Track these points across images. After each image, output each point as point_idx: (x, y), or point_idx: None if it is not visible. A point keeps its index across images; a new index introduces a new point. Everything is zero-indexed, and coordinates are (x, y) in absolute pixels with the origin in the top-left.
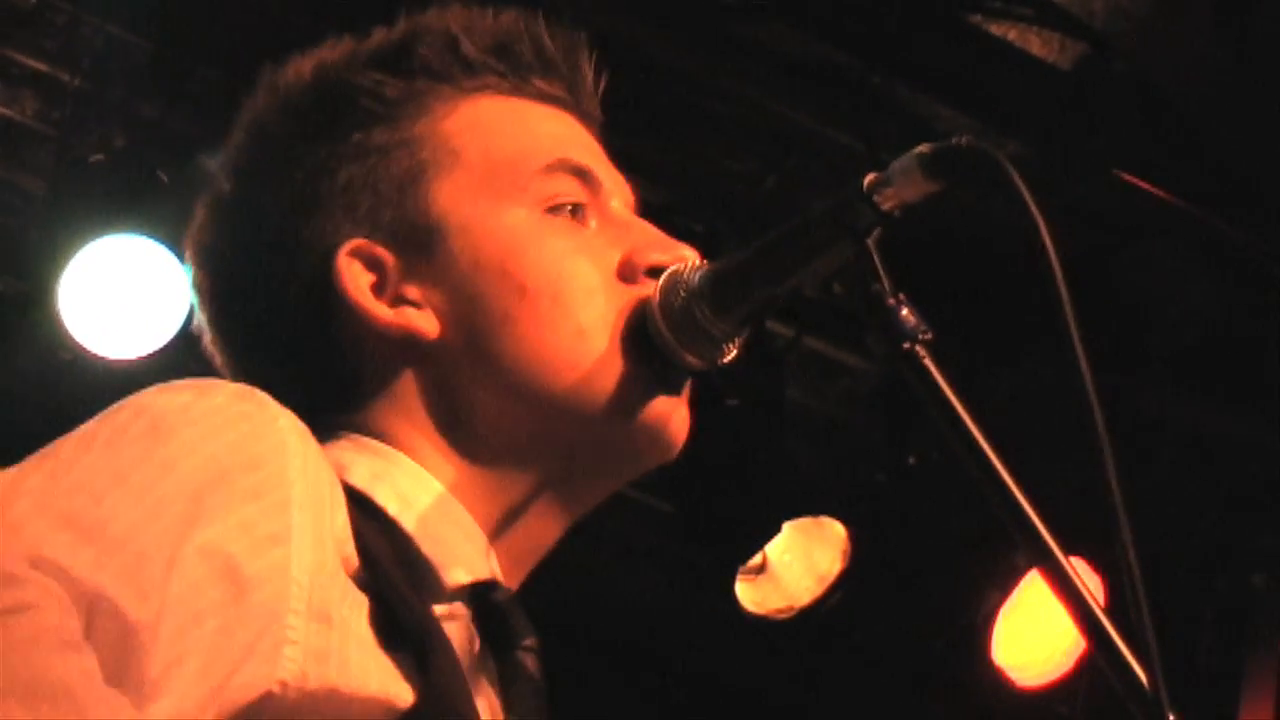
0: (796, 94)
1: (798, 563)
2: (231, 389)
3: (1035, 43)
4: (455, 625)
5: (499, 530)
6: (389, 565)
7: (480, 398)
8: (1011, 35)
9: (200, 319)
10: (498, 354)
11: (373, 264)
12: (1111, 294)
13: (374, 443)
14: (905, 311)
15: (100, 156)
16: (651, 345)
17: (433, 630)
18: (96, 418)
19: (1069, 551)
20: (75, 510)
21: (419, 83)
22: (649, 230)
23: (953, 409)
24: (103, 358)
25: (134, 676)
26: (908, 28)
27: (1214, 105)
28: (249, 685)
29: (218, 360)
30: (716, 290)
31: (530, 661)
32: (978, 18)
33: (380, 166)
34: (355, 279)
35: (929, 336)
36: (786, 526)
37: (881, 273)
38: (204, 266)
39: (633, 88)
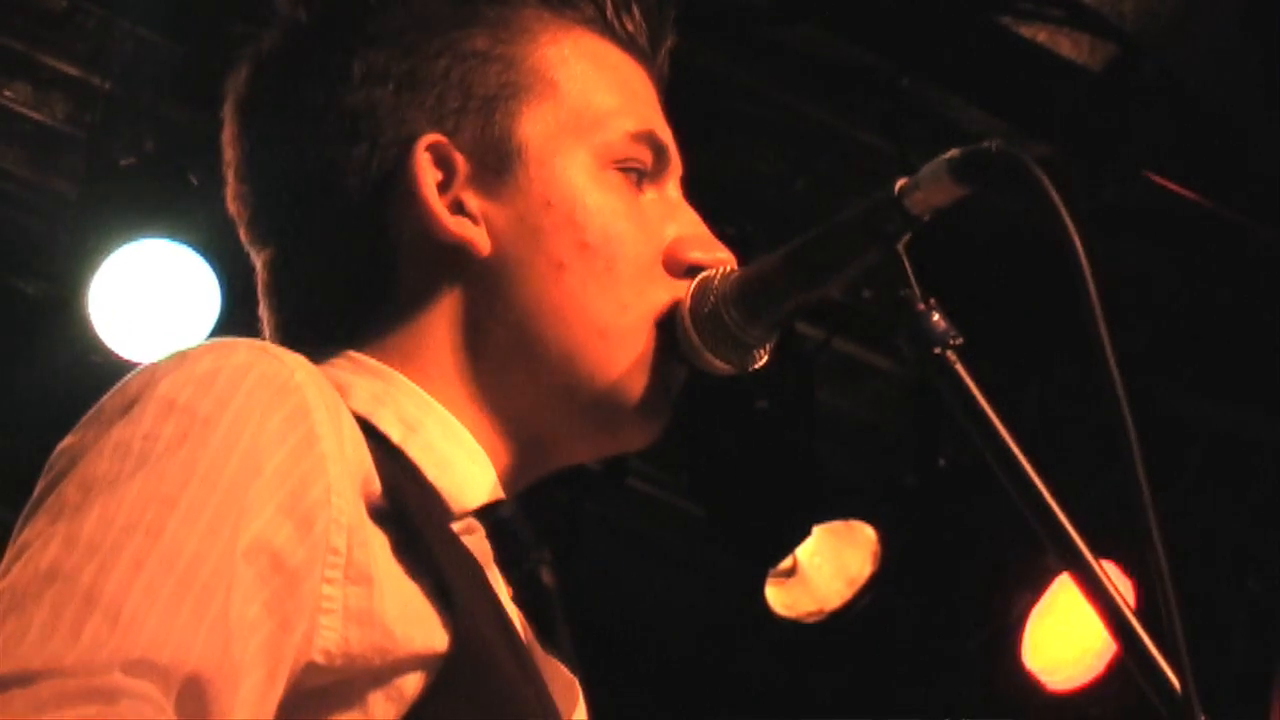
0: (826, 96)
1: (828, 566)
2: (245, 346)
3: (1065, 44)
4: (472, 539)
5: (491, 456)
6: (405, 492)
7: (503, 329)
8: (1041, 37)
9: (229, 184)
10: (538, 295)
11: (444, 164)
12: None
13: (371, 362)
14: (935, 317)
15: (131, 160)
16: (679, 348)
17: (457, 551)
18: (117, 408)
19: (1100, 556)
20: (140, 553)
21: None
22: (695, 223)
23: (983, 414)
24: (132, 361)
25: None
26: (937, 30)
27: (1245, 106)
28: (295, 663)
29: (240, 227)
30: (746, 296)
31: (544, 573)
32: (1007, 19)
33: (476, 71)
34: (426, 173)
35: (959, 341)
36: (816, 530)
37: (911, 277)
38: (248, 125)
39: (661, 90)
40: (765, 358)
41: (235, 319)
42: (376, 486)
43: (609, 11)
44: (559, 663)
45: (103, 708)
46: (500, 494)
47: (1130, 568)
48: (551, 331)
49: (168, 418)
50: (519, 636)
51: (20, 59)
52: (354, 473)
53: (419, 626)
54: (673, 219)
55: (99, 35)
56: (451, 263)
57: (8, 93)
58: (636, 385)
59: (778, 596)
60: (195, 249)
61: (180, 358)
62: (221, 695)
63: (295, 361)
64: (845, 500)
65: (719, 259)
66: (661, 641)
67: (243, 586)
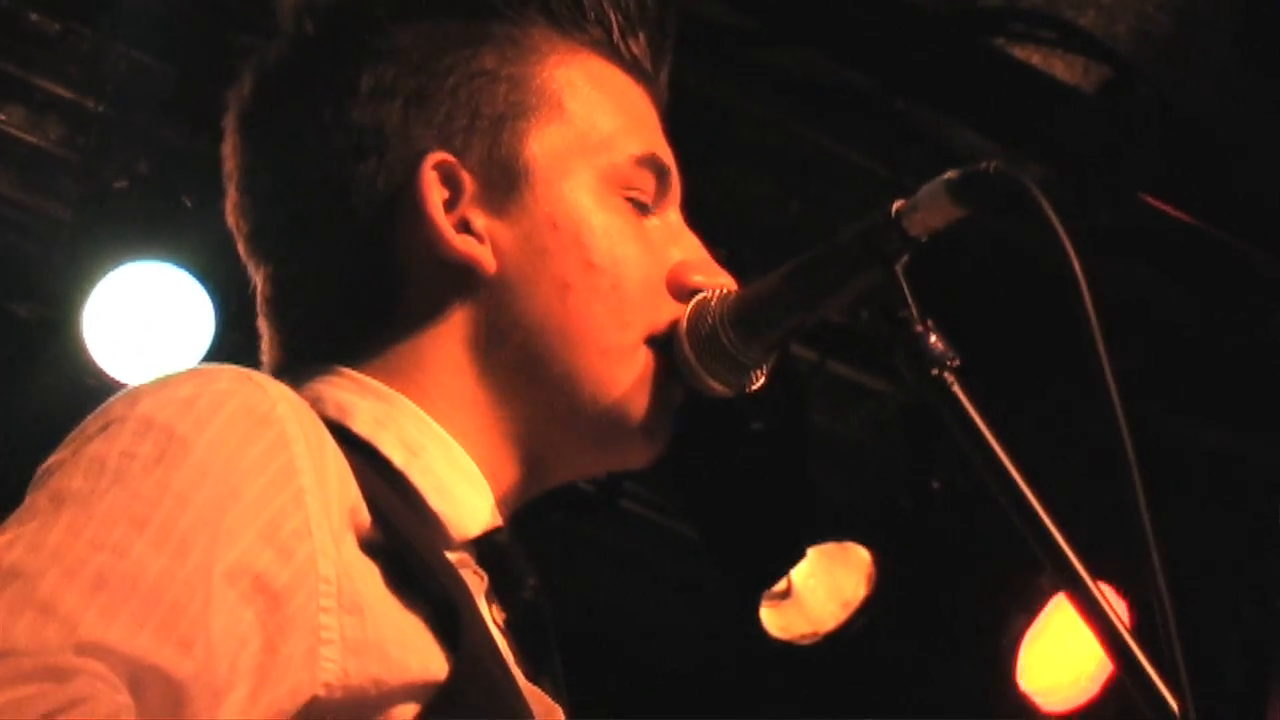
0: (819, 118)
1: (822, 588)
2: (229, 374)
3: (1059, 66)
4: (466, 572)
5: (490, 479)
6: (401, 521)
7: (508, 348)
8: (1035, 59)
9: (229, 195)
10: (544, 314)
11: (450, 182)
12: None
13: (373, 383)
14: (933, 338)
15: (124, 183)
16: (678, 370)
17: (456, 582)
18: (97, 426)
19: (1095, 578)
20: (103, 570)
21: (532, 17)
22: (698, 248)
23: (981, 435)
24: (126, 384)
25: None
26: (931, 52)
27: (1238, 128)
28: (294, 693)
29: (239, 240)
30: (744, 317)
31: (536, 602)
32: (1001, 41)
33: (485, 90)
34: (433, 190)
35: (956, 362)
36: (811, 552)
37: (909, 298)
38: (251, 137)
39: (661, 113)
40: (762, 379)
41: (229, 341)
42: (366, 517)
43: (615, 35)
44: (542, 692)
45: (54, 685)
46: (498, 520)
47: (1125, 590)
48: (556, 350)
49: (145, 436)
50: (509, 665)
51: (13, 81)
52: (339, 506)
53: (415, 656)
54: (676, 243)
55: (93, 58)
56: (457, 281)
57: (1, 115)
58: (638, 405)
59: (772, 619)
60: (189, 271)
61: (163, 381)
62: (197, 700)
63: (279, 393)
64: (839, 522)
65: (720, 284)
66: (655, 664)
67: (224, 605)
